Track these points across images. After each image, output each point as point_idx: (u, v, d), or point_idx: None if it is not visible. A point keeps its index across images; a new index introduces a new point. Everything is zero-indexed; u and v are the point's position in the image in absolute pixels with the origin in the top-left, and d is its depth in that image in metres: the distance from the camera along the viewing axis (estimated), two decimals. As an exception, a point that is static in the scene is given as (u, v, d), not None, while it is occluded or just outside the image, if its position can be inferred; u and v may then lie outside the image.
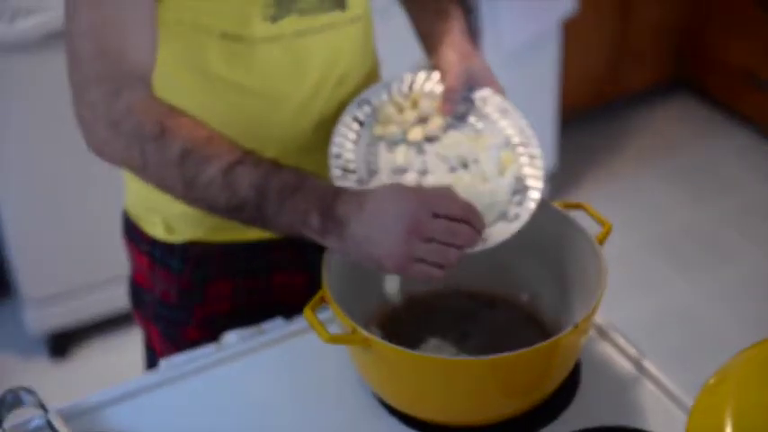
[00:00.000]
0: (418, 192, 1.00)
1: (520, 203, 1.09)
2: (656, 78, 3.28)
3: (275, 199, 0.99)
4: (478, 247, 1.04)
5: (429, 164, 1.13)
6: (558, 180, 2.94)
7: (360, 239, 0.98)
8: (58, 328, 2.41)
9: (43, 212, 2.26)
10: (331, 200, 0.99)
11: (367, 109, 1.17)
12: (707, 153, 3.15)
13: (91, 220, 2.25)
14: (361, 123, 1.16)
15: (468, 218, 0.99)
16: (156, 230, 1.26)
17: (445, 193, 1.00)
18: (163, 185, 1.05)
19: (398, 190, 1.00)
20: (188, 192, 1.02)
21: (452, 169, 1.13)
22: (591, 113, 3.20)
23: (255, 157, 1.01)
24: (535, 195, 1.10)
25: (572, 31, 2.84)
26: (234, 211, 1.01)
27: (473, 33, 2.52)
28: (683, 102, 3.35)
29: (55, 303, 2.36)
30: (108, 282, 2.32)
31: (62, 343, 2.45)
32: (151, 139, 1.01)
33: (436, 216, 0.98)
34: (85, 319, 2.43)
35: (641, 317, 2.54)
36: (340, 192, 1.00)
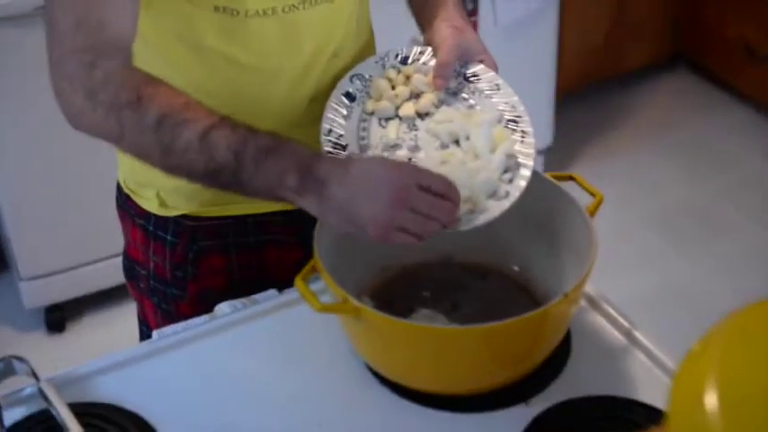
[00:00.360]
0: (404, 163, 1.02)
1: (510, 181, 1.08)
2: (654, 54, 3.27)
3: (251, 161, 0.99)
4: (470, 225, 1.03)
5: (421, 140, 1.13)
6: (555, 155, 2.94)
7: (341, 202, 0.97)
8: (55, 302, 2.42)
9: (39, 188, 2.26)
10: (311, 160, 0.99)
11: (359, 84, 1.17)
12: (704, 128, 3.15)
13: (87, 195, 2.25)
14: (353, 98, 1.16)
15: (450, 195, 1.00)
16: (150, 204, 1.26)
17: (429, 169, 1.01)
18: (140, 153, 1.04)
19: (385, 160, 1.02)
20: (165, 158, 1.01)
21: (444, 146, 1.12)
22: (588, 89, 3.19)
23: (232, 122, 1.01)
24: (526, 173, 1.09)
25: (569, 6, 2.83)
26: (212, 176, 1.01)
27: (470, 8, 2.51)
28: (680, 77, 3.34)
29: (51, 278, 2.36)
30: (104, 256, 2.32)
31: (59, 317, 2.45)
32: (127, 107, 1.01)
33: (421, 188, 0.98)
34: (82, 293, 2.43)
35: (637, 291, 2.55)
36: (321, 155, 1.01)
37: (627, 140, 3.10)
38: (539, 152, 2.87)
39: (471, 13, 2.52)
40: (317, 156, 1.00)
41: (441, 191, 0.99)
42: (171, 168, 1.03)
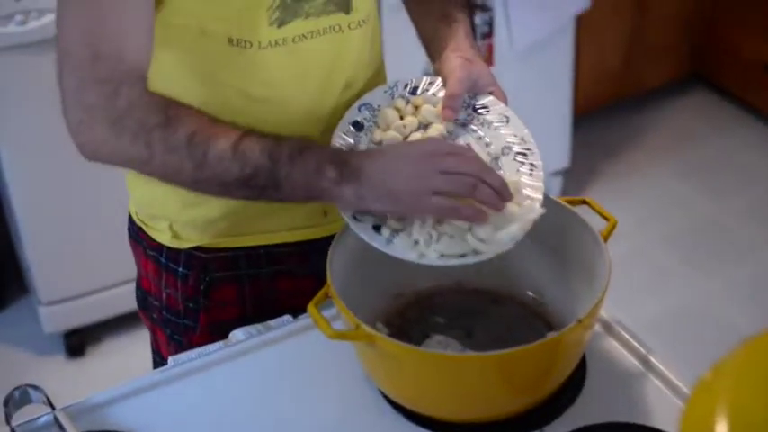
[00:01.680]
0: (431, 137, 1.13)
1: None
2: (671, 73, 3.26)
3: (287, 159, 1.02)
4: (479, 258, 1.03)
5: None
6: (573, 176, 2.94)
7: (376, 181, 1.01)
8: (74, 326, 2.43)
9: (58, 213, 2.28)
10: (345, 153, 1.07)
11: (367, 113, 1.17)
12: (723, 147, 3.13)
13: (106, 220, 2.25)
14: (360, 127, 1.16)
15: (482, 175, 1.02)
16: (162, 236, 1.26)
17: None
18: (170, 172, 1.05)
19: (413, 142, 1.12)
20: (198, 171, 1.03)
21: None
22: (606, 109, 3.19)
23: (260, 132, 1.04)
24: (536, 207, 1.08)
25: (586, 26, 2.83)
26: (247, 181, 1.03)
27: (486, 31, 2.51)
28: (699, 96, 3.33)
29: (70, 303, 2.38)
30: (123, 281, 2.33)
31: (79, 341, 2.47)
32: (157, 129, 1.02)
33: (448, 154, 1.03)
34: (101, 318, 2.44)
35: (657, 314, 2.53)
36: (351, 150, 1.09)
37: (645, 161, 3.09)
38: (557, 173, 2.86)
39: (487, 36, 2.52)
40: (348, 151, 1.08)
41: (473, 171, 1.02)
42: (203, 182, 1.05)
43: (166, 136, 1.02)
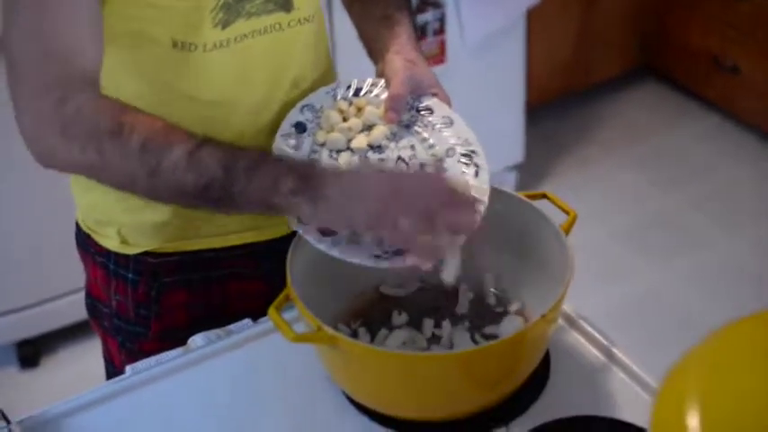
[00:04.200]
0: (399, 169, 1.07)
1: None
2: (622, 66, 3.29)
3: (243, 171, 0.98)
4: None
5: None
6: (527, 170, 2.95)
7: (336, 202, 0.96)
8: (27, 336, 2.39)
9: (6, 223, 2.23)
10: (304, 166, 1.00)
11: (309, 114, 1.15)
12: (675, 138, 3.17)
13: (55, 226, 2.21)
14: (303, 128, 1.14)
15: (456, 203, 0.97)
16: (111, 242, 1.24)
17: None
18: (123, 181, 1.02)
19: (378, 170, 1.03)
20: (152, 180, 1.00)
21: None
22: (558, 102, 3.21)
23: (216, 141, 1.01)
24: (480, 208, 1.07)
25: (537, 21, 2.84)
26: (202, 191, 0.99)
27: (437, 27, 2.51)
28: (649, 88, 3.37)
29: (22, 313, 2.33)
30: (76, 289, 2.28)
31: (32, 351, 2.42)
32: (108, 136, 0.99)
33: (415, 188, 0.96)
34: (55, 327, 2.40)
35: (614, 305, 2.55)
36: (315, 163, 1.02)
37: (599, 153, 3.11)
38: (511, 168, 2.87)
39: (438, 32, 2.52)
40: (309, 162, 1.01)
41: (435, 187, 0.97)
42: (157, 190, 1.02)
43: (119, 143, 0.99)
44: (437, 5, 2.50)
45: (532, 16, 2.77)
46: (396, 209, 0.95)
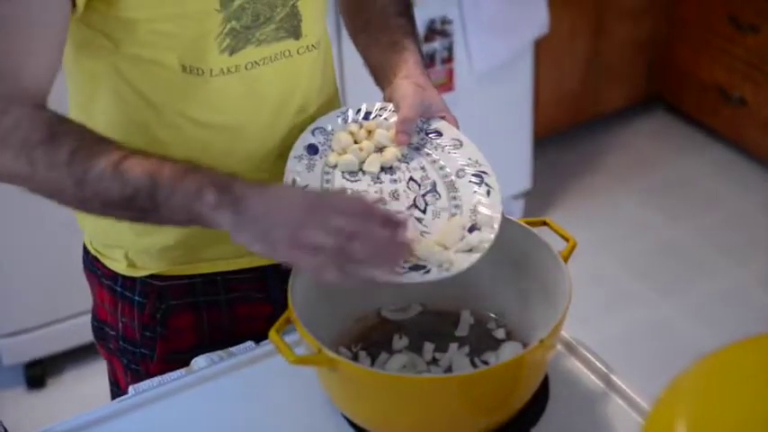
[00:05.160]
0: (324, 190, 1.06)
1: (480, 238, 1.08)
2: (630, 96, 3.30)
3: (168, 181, 0.98)
4: (440, 276, 1.03)
5: (386, 195, 1.13)
6: (534, 199, 2.96)
7: (256, 217, 0.95)
8: (34, 357, 2.40)
9: (15, 245, 2.25)
10: (229, 178, 0.99)
11: (321, 137, 1.17)
12: (682, 169, 3.17)
13: (64, 248, 2.23)
14: (315, 150, 1.16)
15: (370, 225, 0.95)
16: (118, 265, 1.25)
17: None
18: (52, 190, 1.03)
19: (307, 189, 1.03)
20: (79, 190, 1.00)
21: (410, 206, 1.12)
22: (566, 132, 3.22)
23: (145, 152, 1.01)
24: (495, 227, 1.08)
25: (545, 51, 2.86)
26: (128, 201, 1.00)
27: (445, 56, 2.53)
28: (657, 119, 3.38)
29: (30, 334, 2.35)
30: (83, 311, 2.29)
31: (39, 373, 2.43)
32: (39, 145, 1.00)
33: (338, 211, 0.95)
34: (62, 348, 2.41)
35: (619, 333, 2.55)
36: (238, 177, 1.00)
37: (606, 183, 3.12)
38: (518, 196, 2.88)
39: (447, 61, 2.54)
40: (234, 177, 1.00)
41: (359, 212, 0.96)
42: (85, 201, 1.02)
43: (49, 153, 1.00)
44: (445, 34, 2.52)
45: (541, 46, 2.79)
46: (311, 224, 0.94)
